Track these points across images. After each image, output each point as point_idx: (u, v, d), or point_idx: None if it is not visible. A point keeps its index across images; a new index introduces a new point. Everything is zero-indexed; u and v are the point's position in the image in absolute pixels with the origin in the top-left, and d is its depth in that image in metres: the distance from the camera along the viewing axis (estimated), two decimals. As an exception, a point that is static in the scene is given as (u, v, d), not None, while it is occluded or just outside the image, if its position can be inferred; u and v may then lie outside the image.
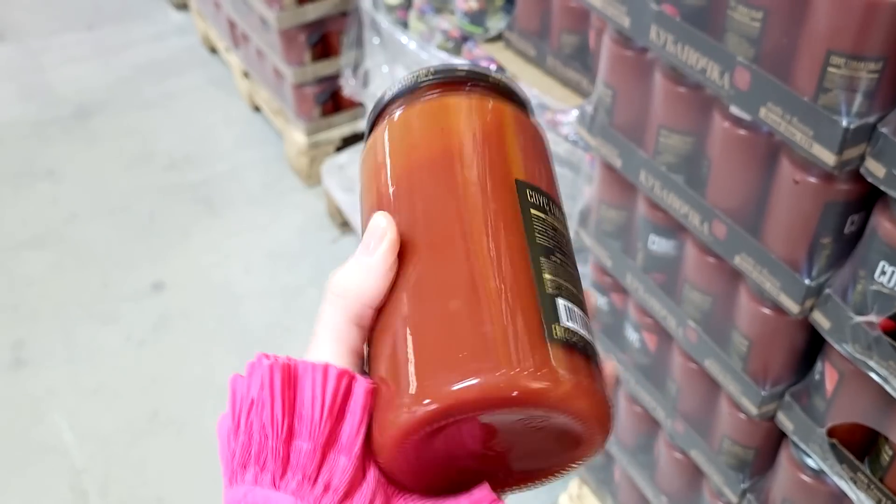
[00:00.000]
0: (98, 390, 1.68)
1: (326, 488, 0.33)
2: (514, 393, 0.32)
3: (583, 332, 0.36)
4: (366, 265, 0.36)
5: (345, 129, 2.14)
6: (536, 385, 0.32)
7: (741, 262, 0.81)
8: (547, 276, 0.36)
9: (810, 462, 0.85)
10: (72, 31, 2.84)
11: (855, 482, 0.79)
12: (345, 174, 1.98)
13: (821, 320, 0.76)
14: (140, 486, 1.51)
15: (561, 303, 0.35)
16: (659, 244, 0.96)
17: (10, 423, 1.63)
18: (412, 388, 0.32)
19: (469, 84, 0.42)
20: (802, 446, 0.84)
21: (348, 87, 1.91)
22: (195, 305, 1.86)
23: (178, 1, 2.90)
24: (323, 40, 2.03)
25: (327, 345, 0.36)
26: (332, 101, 2.10)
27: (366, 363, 0.37)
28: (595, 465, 1.32)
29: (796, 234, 0.76)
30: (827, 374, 0.80)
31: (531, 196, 0.38)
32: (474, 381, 0.32)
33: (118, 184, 2.21)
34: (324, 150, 2.13)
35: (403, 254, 0.37)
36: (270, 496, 0.33)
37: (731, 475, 0.97)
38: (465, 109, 0.41)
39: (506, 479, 0.37)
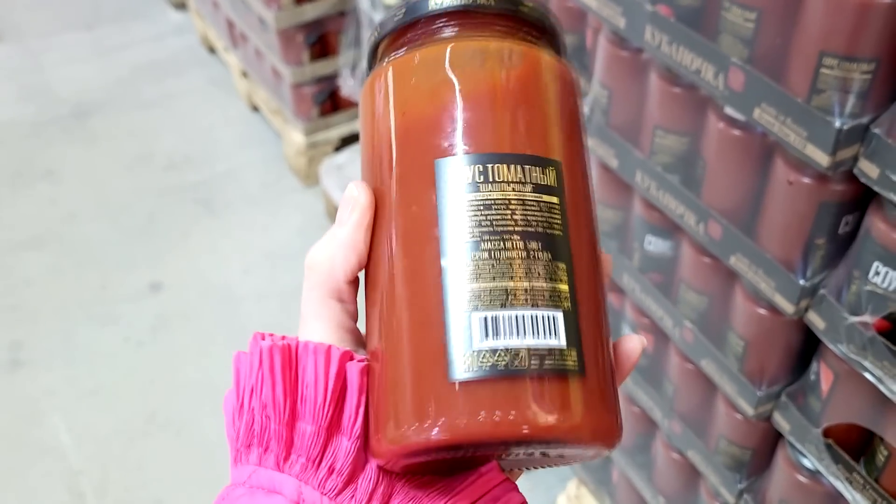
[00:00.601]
0: (96, 391, 1.68)
1: (331, 471, 0.33)
2: (410, 448, 0.30)
3: (522, 341, 0.29)
4: (336, 238, 0.35)
5: (343, 129, 2.14)
6: (424, 436, 0.29)
7: (736, 262, 0.81)
8: (464, 286, 0.30)
9: (806, 462, 0.85)
10: (71, 32, 2.84)
11: (850, 482, 0.79)
12: (343, 174, 1.98)
13: (816, 321, 0.76)
14: (138, 488, 1.51)
15: (477, 318, 0.30)
16: (655, 244, 0.96)
17: (7, 424, 1.63)
18: (399, 417, 0.31)
19: (409, 36, 0.36)
20: (798, 447, 0.84)
21: (346, 86, 1.91)
22: (194, 306, 1.86)
23: (177, 1, 2.90)
24: (321, 40, 2.03)
25: (312, 322, 0.35)
26: (331, 101, 2.10)
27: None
28: (593, 466, 1.32)
29: (791, 235, 0.76)
30: (822, 374, 0.80)
31: (456, 175, 0.32)
32: (394, 437, 0.30)
33: (117, 184, 2.21)
34: (322, 150, 2.13)
35: (377, 233, 0.34)
36: (275, 478, 0.33)
37: (728, 475, 0.97)
38: (389, 78, 0.35)
39: (514, 462, 0.36)
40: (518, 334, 0.29)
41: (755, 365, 0.86)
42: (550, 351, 0.30)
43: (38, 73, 2.64)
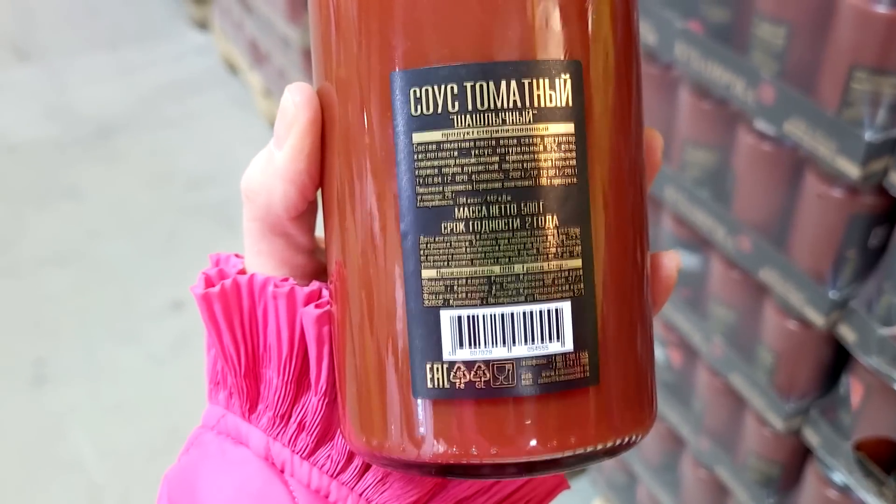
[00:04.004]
0: (118, 407, 1.69)
1: (300, 428, 0.28)
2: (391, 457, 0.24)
3: (510, 351, 0.22)
4: (273, 165, 0.27)
5: (363, 149, 2.15)
6: (384, 454, 0.24)
7: (766, 275, 0.81)
8: (431, 270, 0.22)
9: (836, 477, 0.85)
10: (94, 52, 2.88)
11: (881, 496, 0.78)
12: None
13: (846, 333, 0.76)
14: (160, 503, 1.52)
15: (448, 318, 0.22)
16: (684, 259, 0.96)
17: (31, 439, 1.64)
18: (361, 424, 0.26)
19: None
20: (828, 461, 0.84)
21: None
22: (215, 323, 1.87)
23: (200, 21, 2.94)
24: (342, 61, 2.05)
25: (253, 258, 0.29)
26: (352, 121, 2.12)
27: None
28: (619, 485, 1.31)
29: (821, 248, 0.76)
30: (853, 387, 0.80)
31: (419, 100, 0.22)
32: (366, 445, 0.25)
33: (139, 202, 2.23)
34: (343, 169, 2.14)
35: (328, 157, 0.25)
36: (241, 427, 0.29)
37: (758, 492, 0.96)
38: None
39: None
40: (504, 341, 0.22)
41: (785, 379, 0.86)
42: (549, 360, 0.22)
43: (61, 93, 2.67)
